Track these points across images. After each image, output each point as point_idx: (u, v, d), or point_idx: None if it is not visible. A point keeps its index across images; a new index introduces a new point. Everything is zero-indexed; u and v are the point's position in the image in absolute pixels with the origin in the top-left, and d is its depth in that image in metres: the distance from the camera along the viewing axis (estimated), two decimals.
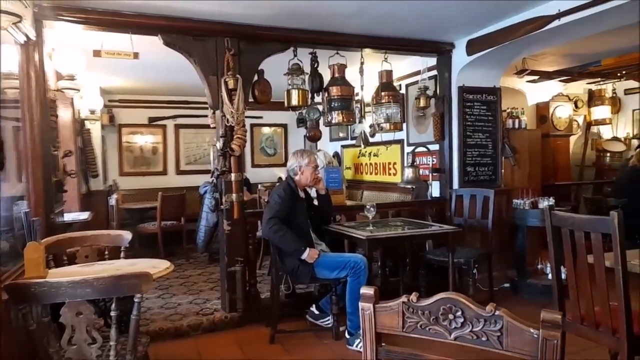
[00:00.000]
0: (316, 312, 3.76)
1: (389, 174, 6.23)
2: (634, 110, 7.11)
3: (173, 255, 6.17)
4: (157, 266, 2.62)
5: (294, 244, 3.36)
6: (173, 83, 6.50)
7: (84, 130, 5.75)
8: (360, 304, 1.22)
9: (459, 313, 1.11)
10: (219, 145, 3.79)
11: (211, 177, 3.89)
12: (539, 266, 4.69)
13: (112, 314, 1.90)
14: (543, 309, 1.01)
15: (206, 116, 4.29)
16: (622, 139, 7.17)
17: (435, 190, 5.02)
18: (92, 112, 5.88)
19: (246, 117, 7.76)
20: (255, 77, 4.02)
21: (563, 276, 2.60)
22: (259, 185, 6.47)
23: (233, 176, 3.77)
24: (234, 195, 3.77)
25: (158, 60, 4.87)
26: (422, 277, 4.22)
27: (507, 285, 4.74)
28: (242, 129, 3.76)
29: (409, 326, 1.18)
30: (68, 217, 4.08)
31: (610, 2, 3.11)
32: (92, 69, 5.04)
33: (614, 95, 7.18)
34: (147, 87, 6.85)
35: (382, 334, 1.24)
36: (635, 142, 7.05)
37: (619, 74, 6.33)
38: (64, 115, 4.65)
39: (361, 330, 1.25)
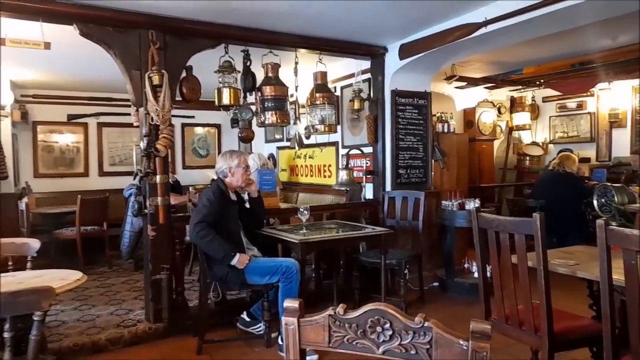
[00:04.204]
0: (247, 319, 3.62)
1: (324, 176, 6.21)
2: (550, 117, 7.62)
3: (94, 263, 5.75)
4: (66, 278, 2.38)
5: (222, 249, 3.20)
6: (94, 78, 6.06)
7: None
8: (284, 319, 1.13)
9: (387, 325, 1.05)
10: (142, 145, 3.54)
11: (134, 179, 3.63)
12: (466, 265, 4.86)
13: (6, 335, 1.67)
14: (472, 319, 0.97)
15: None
16: (540, 144, 7.66)
17: (368, 192, 5.05)
18: (2, 107, 5.35)
19: (177, 116, 7.49)
20: (184, 74, 3.82)
21: (489, 275, 2.66)
22: (190, 188, 6.20)
23: (158, 178, 3.54)
24: (159, 199, 3.53)
25: (76, 52, 4.51)
26: (355, 279, 4.21)
27: (436, 284, 4.86)
28: (169, 128, 3.54)
29: (335, 341, 1.10)
30: None
31: (531, 12, 3.27)
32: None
33: (533, 102, 7.66)
34: (66, 81, 6.32)
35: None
36: (551, 146, 7.56)
37: (537, 82, 6.74)
38: None
39: (284, 346, 1.15)
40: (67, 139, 7.05)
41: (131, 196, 4.76)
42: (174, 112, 3.65)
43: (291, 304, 1.14)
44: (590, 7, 3.18)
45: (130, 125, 6.30)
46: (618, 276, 1.92)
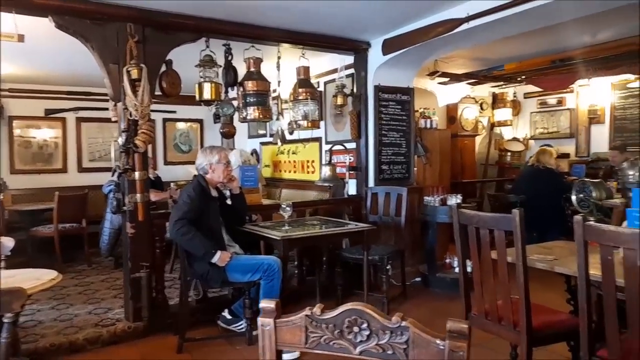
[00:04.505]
0: (228, 316, 3.58)
1: (308, 172, 6.19)
2: (531, 113, 7.71)
3: (73, 260, 5.65)
4: (40, 277, 2.32)
5: (203, 247, 3.16)
6: (73, 72, 5.91)
7: None
8: (260, 320, 1.11)
9: (364, 325, 1.04)
10: (121, 140, 3.47)
11: (112, 175, 3.56)
12: (447, 260, 4.89)
13: None
14: (449, 318, 0.96)
15: None
16: (521, 140, 7.75)
17: (352, 188, 5.04)
18: None
19: (158, 111, 7.36)
20: (163, 68, 3.75)
21: (469, 269, 2.67)
22: (172, 184, 6.11)
23: (137, 174, 3.47)
24: (138, 196, 3.47)
25: (54, 45, 4.40)
26: (338, 275, 4.20)
27: (418, 279, 4.89)
28: (148, 123, 3.47)
29: (312, 341, 1.08)
30: None
31: (513, 8, 3.28)
32: None
33: (515, 98, 7.74)
34: (43, 75, 6.16)
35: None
36: (532, 142, 7.65)
37: (519, 79, 6.80)
38: None
39: (260, 348, 1.13)
40: (44, 134, 6.87)
41: (110, 193, 4.69)
42: (155, 107, 3.59)
43: (267, 304, 1.11)
44: (570, 4, 3.21)
45: (110, 120, 6.20)
46: (595, 271, 1.94)
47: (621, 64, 5.47)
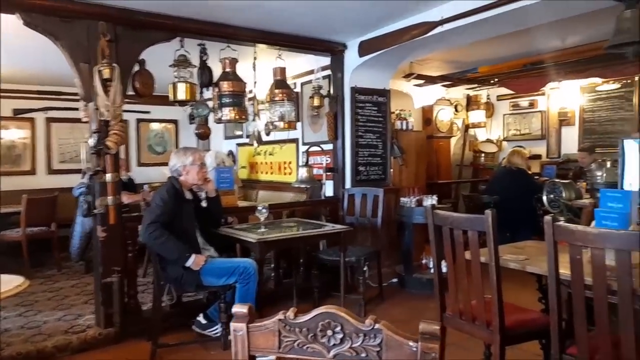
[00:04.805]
0: (203, 321, 3.52)
1: (284, 173, 6.17)
2: (504, 115, 7.86)
3: (42, 265, 5.48)
4: (6, 283, 2.23)
5: (177, 250, 3.10)
6: (43, 70, 5.75)
7: None
8: (232, 325, 1.09)
9: (338, 328, 1.03)
10: (92, 141, 3.38)
11: (82, 177, 3.47)
12: (424, 261, 4.93)
13: None
14: (422, 320, 0.96)
15: None
16: (495, 141, 7.90)
17: (329, 189, 5.05)
18: None
19: (131, 111, 7.22)
20: (136, 68, 3.68)
21: (444, 270, 2.70)
22: (145, 186, 5.99)
23: (108, 177, 3.38)
24: (109, 198, 3.38)
25: (23, 43, 4.26)
26: (315, 277, 4.19)
27: (395, 280, 4.91)
28: (120, 124, 3.39)
29: (285, 346, 1.07)
30: None
31: (486, 12, 3.34)
32: None
33: (488, 100, 7.88)
34: (11, 74, 5.94)
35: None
36: (505, 143, 7.81)
37: (492, 81, 6.93)
38: None
39: (232, 354, 1.11)
40: (12, 134, 6.66)
41: (81, 195, 4.57)
42: (129, 107, 3.51)
43: (240, 309, 1.09)
44: (541, 8, 3.27)
45: (81, 120, 6.03)
46: (565, 270, 1.98)
47: (590, 67, 5.62)
